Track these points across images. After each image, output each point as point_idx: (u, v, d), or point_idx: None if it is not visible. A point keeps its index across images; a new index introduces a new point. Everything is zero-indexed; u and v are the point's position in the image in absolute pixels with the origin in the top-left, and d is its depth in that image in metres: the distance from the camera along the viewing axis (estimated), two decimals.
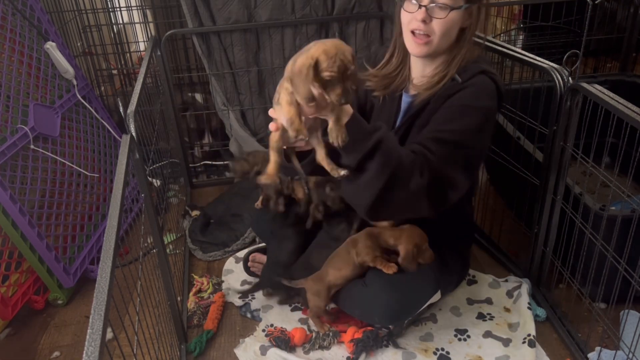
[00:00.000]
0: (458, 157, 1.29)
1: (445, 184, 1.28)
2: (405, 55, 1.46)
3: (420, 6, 1.30)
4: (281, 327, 1.63)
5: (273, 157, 1.20)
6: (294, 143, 1.22)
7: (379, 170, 1.18)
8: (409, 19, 1.33)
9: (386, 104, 1.51)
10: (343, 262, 1.51)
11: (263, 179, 1.22)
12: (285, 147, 1.23)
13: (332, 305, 1.64)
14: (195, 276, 1.91)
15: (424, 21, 1.30)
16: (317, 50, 1.05)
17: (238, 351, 1.57)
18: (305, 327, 1.64)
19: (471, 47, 1.39)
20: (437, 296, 1.56)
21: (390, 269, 1.44)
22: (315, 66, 1.05)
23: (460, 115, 1.31)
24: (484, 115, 1.33)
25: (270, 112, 1.20)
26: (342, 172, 1.20)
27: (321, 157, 1.21)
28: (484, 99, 1.33)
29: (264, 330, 1.65)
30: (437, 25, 1.30)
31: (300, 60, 1.07)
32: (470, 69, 1.35)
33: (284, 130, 1.16)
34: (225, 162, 2.73)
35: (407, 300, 1.46)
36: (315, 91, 1.07)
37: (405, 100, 1.47)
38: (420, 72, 1.44)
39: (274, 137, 1.19)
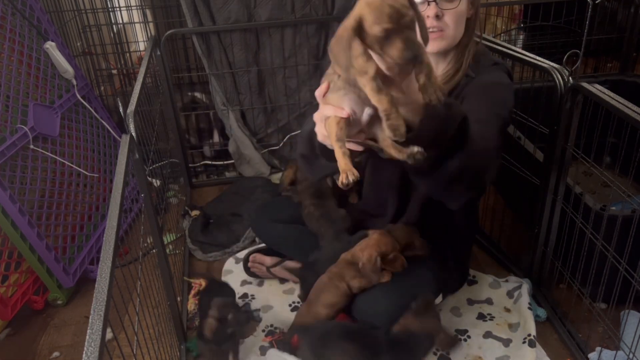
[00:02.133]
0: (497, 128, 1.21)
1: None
2: None
3: (428, 2, 1.28)
4: (282, 330, 1.63)
5: (341, 151, 0.95)
6: (354, 135, 1.01)
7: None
8: None
9: None
10: (334, 297, 1.47)
11: (343, 180, 0.95)
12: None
13: None
14: (191, 279, 1.88)
15: (437, 16, 1.28)
16: (358, 7, 0.85)
17: None
18: None
19: (475, 38, 1.39)
20: (438, 299, 1.55)
21: (384, 278, 1.44)
22: (359, 26, 0.84)
23: (486, 94, 1.28)
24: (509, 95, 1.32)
25: (324, 108, 0.98)
26: (416, 149, 0.95)
27: (387, 142, 0.97)
28: (503, 88, 1.32)
29: (263, 331, 1.64)
30: (449, 17, 1.28)
31: (342, 26, 0.87)
32: (483, 63, 1.35)
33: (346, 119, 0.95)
34: (224, 162, 2.73)
35: (407, 304, 1.45)
36: (365, 57, 0.85)
37: None
38: None
39: (337, 126, 0.95)
